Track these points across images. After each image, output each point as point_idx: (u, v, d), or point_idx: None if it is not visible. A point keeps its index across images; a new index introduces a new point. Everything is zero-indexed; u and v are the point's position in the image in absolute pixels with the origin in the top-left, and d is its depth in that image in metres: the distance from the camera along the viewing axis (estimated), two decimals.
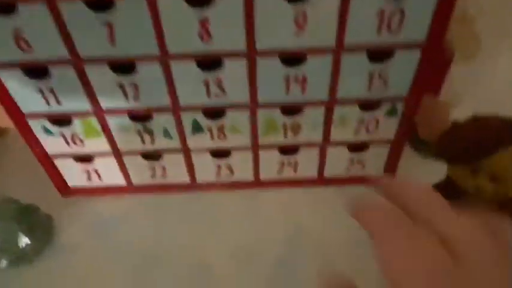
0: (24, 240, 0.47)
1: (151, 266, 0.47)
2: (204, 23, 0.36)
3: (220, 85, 0.41)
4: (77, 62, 0.39)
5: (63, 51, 0.38)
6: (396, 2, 0.35)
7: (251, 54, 0.39)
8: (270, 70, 0.40)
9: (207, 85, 0.41)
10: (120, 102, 0.42)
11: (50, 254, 0.49)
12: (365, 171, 0.51)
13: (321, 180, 0.53)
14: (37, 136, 0.46)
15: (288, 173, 0.52)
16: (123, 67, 0.39)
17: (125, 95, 0.42)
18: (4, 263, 0.46)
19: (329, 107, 0.44)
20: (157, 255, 0.48)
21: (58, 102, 0.42)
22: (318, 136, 0.47)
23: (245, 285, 0.45)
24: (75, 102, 0.42)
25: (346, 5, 0.35)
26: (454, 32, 0.46)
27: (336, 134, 0.46)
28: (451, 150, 0.40)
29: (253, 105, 0.43)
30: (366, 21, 0.36)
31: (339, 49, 0.38)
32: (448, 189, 0.42)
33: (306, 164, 0.51)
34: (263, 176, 0.52)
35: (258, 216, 0.52)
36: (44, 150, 0.47)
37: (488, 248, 0.24)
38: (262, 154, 0.49)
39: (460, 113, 0.60)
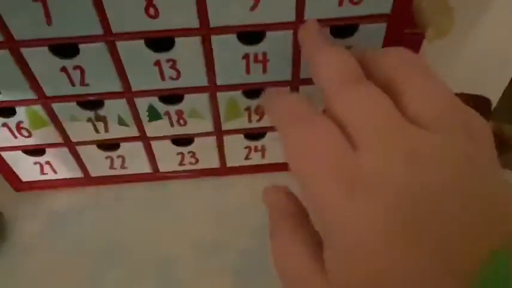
0: None
1: (112, 262, 0.44)
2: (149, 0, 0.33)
3: (174, 67, 0.38)
4: (12, 46, 0.35)
5: None
6: None
7: (205, 32, 0.35)
8: (227, 49, 0.37)
9: (159, 67, 0.38)
10: (66, 89, 0.39)
11: (3, 253, 0.46)
12: None
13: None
14: None
15: (256, 159, 0.49)
16: (64, 49, 0.36)
17: (70, 80, 0.38)
18: None
19: (294, 87, 0.41)
20: (118, 250, 0.45)
21: None
22: None
23: (211, 278, 0.43)
24: (16, 90, 0.39)
25: None
26: (427, 6, 0.44)
27: None
28: None
29: (212, 88, 0.40)
30: None
31: (299, 24, 0.35)
32: None
33: (275, 149, 0.48)
34: (230, 162, 0.49)
35: (225, 205, 0.49)
36: None
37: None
38: (227, 140, 0.46)
39: None
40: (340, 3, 0.34)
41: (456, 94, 0.39)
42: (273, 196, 0.30)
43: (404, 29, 0.36)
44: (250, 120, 0.44)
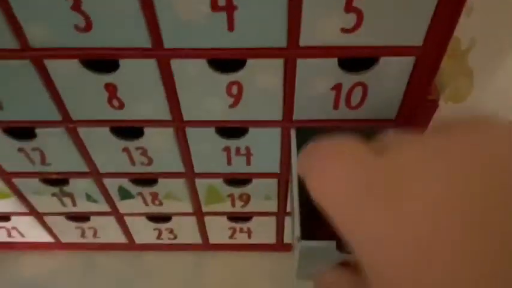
0: None
1: None
2: (111, 90, 0.28)
3: (145, 154, 0.33)
4: None
5: None
6: (356, 76, 0.27)
7: (178, 124, 0.31)
8: (205, 141, 0.32)
9: (128, 153, 0.33)
10: (26, 167, 0.35)
11: None
12: None
13: (280, 246, 0.45)
14: None
15: (242, 239, 0.44)
16: (22, 131, 0.32)
17: (30, 159, 0.34)
18: None
19: (282, 178, 0.36)
20: None
21: None
22: (272, 206, 0.39)
23: None
24: None
25: (291, 78, 0.27)
26: (444, 68, 0.38)
27: (288, 207, 0.39)
28: None
29: (190, 175, 0.36)
30: (319, 96, 0.28)
31: (288, 123, 0.30)
32: None
33: (262, 231, 0.43)
34: (212, 240, 0.45)
35: (205, 281, 0.45)
36: None
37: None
38: (209, 220, 0.42)
39: None
40: (336, 107, 0.29)
41: None
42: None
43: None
44: (233, 205, 0.39)
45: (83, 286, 0.45)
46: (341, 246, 0.25)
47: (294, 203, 0.27)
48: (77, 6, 0.23)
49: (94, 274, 0.46)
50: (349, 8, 0.22)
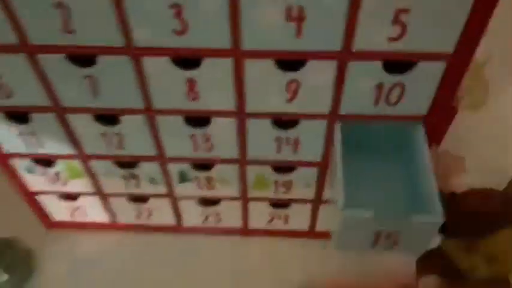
0: (3, 277, 0.46)
1: None
2: (191, 83, 0.34)
3: (208, 141, 0.39)
4: (59, 111, 0.37)
5: (44, 100, 0.36)
6: (396, 77, 0.32)
7: (241, 116, 0.36)
8: (261, 131, 0.38)
9: (194, 140, 0.39)
10: (104, 150, 0.41)
11: None
12: None
13: (312, 233, 0.50)
14: (20, 175, 0.44)
15: (278, 225, 0.50)
16: (107, 118, 0.38)
17: (109, 143, 0.40)
18: None
19: (323, 167, 0.41)
20: None
21: (40, 145, 0.41)
22: (310, 193, 0.45)
23: None
24: (57, 147, 0.41)
25: (341, 77, 0.32)
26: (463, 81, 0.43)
27: (329, 192, 0.44)
28: (447, 220, 0.37)
29: (243, 162, 0.41)
30: (363, 93, 0.34)
31: (333, 116, 0.36)
32: (439, 262, 0.40)
33: (297, 218, 0.48)
34: (252, 225, 0.50)
35: (243, 264, 0.50)
36: (26, 187, 0.46)
37: None
38: (252, 206, 0.47)
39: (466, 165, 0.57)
40: (376, 103, 0.34)
41: (492, 190, 0.38)
42: None
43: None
44: (276, 192, 0.45)
45: (135, 264, 0.50)
46: None
47: (338, 173, 0.32)
48: (177, 14, 0.29)
49: (145, 254, 0.51)
50: (396, 21, 0.28)
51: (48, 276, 0.49)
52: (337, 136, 0.35)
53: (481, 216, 0.37)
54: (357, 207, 0.31)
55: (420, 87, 0.33)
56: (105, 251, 0.51)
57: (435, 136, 0.37)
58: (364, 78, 0.32)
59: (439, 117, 0.36)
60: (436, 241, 0.40)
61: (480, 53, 0.55)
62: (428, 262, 0.41)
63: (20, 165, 0.43)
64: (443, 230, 0.37)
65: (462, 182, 0.51)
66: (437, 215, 0.30)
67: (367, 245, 0.33)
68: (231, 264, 0.50)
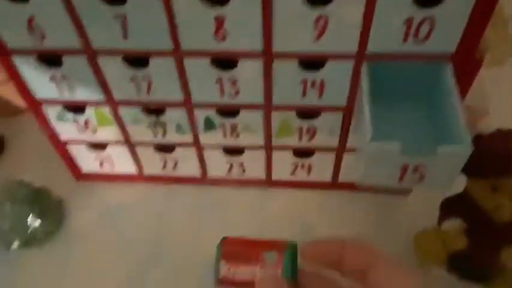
0: (35, 223, 0.48)
1: (156, 257, 0.47)
2: (219, 22, 0.34)
3: (234, 85, 0.40)
4: (90, 53, 0.38)
5: (75, 41, 0.37)
6: (426, 11, 0.32)
7: (268, 57, 0.37)
8: (287, 73, 0.38)
9: (221, 84, 0.40)
10: (132, 95, 0.42)
11: (60, 237, 0.50)
12: None
13: (335, 184, 0.51)
14: (51, 122, 0.46)
15: (301, 175, 0.50)
16: (137, 60, 0.38)
17: (138, 88, 0.41)
18: (15, 244, 0.47)
19: (348, 112, 0.42)
20: (164, 245, 0.48)
21: (71, 90, 0.42)
22: (334, 141, 0.45)
23: None
24: (88, 92, 0.42)
25: (371, 12, 0.32)
26: (487, 34, 0.43)
27: (353, 139, 0.45)
28: (472, 162, 0.37)
29: (268, 107, 0.42)
30: (392, 29, 0.34)
31: (361, 56, 0.36)
32: (463, 205, 0.40)
33: (321, 167, 0.49)
34: (275, 176, 0.51)
35: (266, 214, 0.51)
36: (58, 136, 0.48)
37: None
38: (276, 155, 0.48)
39: (489, 117, 0.57)
40: (405, 40, 0.34)
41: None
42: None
43: (466, 62, 0.36)
44: (300, 139, 0.45)
45: (160, 215, 0.51)
46: None
47: (365, 109, 0.33)
48: None
49: (169, 205, 0.52)
50: None
51: (78, 224, 0.51)
52: (364, 74, 0.36)
53: (507, 156, 0.37)
54: (385, 140, 0.31)
55: (450, 22, 0.33)
56: (132, 201, 0.52)
57: (462, 80, 0.37)
58: (394, 12, 0.32)
59: (467, 58, 0.36)
60: (459, 184, 0.40)
61: (506, 7, 0.54)
62: (452, 206, 0.41)
63: (51, 113, 0.45)
64: (469, 171, 0.38)
65: (487, 127, 0.51)
66: (465, 145, 0.30)
67: (393, 179, 0.33)
68: (255, 215, 0.51)
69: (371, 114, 0.33)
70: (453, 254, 0.40)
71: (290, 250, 0.33)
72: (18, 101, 0.60)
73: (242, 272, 0.33)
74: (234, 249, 0.34)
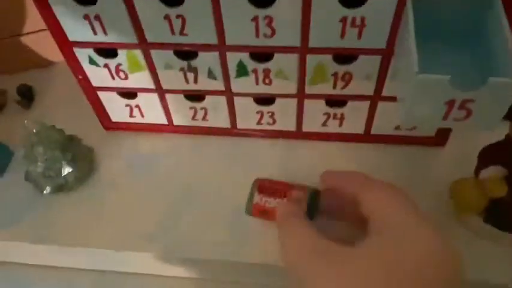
0: (67, 169, 0.48)
1: (187, 204, 0.47)
2: None
3: (270, 24, 0.38)
4: None
5: None
6: None
7: None
8: (327, 9, 0.37)
9: (256, 23, 0.39)
10: (165, 36, 0.41)
11: (91, 184, 0.50)
12: (415, 132, 0.48)
13: (367, 137, 0.50)
14: (83, 66, 0.46)
15: (333, 127, 0.49)
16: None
17: (171, 28, 0.40)
18: (48, 189, 0.48)
19: (386, 56, 0.40)
20: (193, 194, 0.48)
21: (104, 31, 0.41)
22: (370, 88, 0.44)
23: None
24: (121, 33, 0.41)
25: None
26: None
27: (389, 88, 0.43)
28: None
29: (304, 50, 0.41)
30: None
31: None
32: (504, 151, 0.39)
33: (353, 118, 0.48)
34: (306, 127, 0.50)
35: (295, 166, 0.50)
36: (89, 81, 0.47)
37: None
38: (308, 104, 0.47)
39: None
40: None
41: None
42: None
43: None
44: (334, 87, 0.44)
45: (189, 165, 0.51)
46: None
47: (410, 40, 0.31)
48: None
49: (199, 155, 0.52)
50: None
51: (108, 172, 0.51)
52: (409, 8, 0.34)
53: None
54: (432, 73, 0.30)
55: None
56: (161, 151, 0.52)
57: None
58: None
59: None
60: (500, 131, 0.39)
61: None
62: (493, 152, 0.40)
63: (83, 57, 0.45)
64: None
65: None
66: None
67: (438, 116, 0.32)
68: (284, 166, 0.50)
69: (417, 46, 0.31)
70: (492, 202, 0.39)
71: (313, 192, 0.41)
72: (47, 53, 0.60)
73: (272, 202, 0.41)
74: (267, 185, 0.42)
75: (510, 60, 0.30)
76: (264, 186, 0.42)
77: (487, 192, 0.39)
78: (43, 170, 0.47)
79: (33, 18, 0.56)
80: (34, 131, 0.45)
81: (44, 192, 0.48)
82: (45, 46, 0.59)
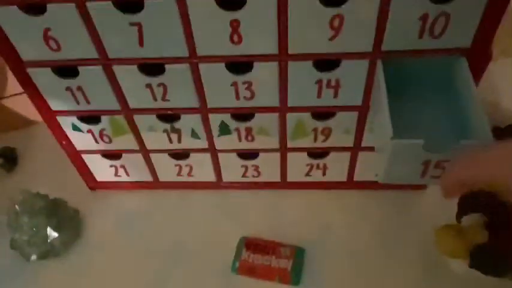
0: (53, 235, 0.48)
1: (176, 262, 0.47)
2: (234, 26, 0.34)
3: (249, 88, 0.40)
4: (106, 63, 0.38)
5: (92, 52, 0.37)
6: (441, 6, 0.32)
7: (283, 58, 0.37)
8: (302, 74, 0.38)
9: (236, 88, 0.40)
10: (148, 102, 0.42)
11: (78, 247, 0.50)
12: None
13: (350, 183, 0.51)
14: (66, 132, 0.46)
15: (316, 176, 0.50)
16: (152, 68, 0.39)
17: (153, 95, 0.41)
18: (33, 256, 0.47)
19: (363, 111, 0.42)
20: (182, 251, 0.48)
21: (87, 100, 0.42)
22: (349, 141, 0.45)
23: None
24: (103, 101, 0.42)
25: (385, 9, 0.33)
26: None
27: (368, 139, 0.45)
28: None
29: (283, 109, 0.42)
30: (407, 26, 0.34)
31: (376, 54, 0.36)
32: (483, 199, 0.40)
33: (336, 167, 0.49)
34: (290, 178, 0.51)
35: (282, 216, 0.51)
36: (73, 145, 0.48)
37: None
38: (291, 157, 0.48)
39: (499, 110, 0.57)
40: (420, 36, 0.34)
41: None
42: None
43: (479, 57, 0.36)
44: (315, 140, 0.45)
45: (176, 221, 0.51)
46: None
47: (383, 105, 0.33)
48: None
49: (186, 210, 0.52)
50: None
51: (95, 234, 0.51)
52: (380, 72, 0.36)
53: None
54: (406, 137, 0.31)
55: (464, 17, 0.33)
56: (148, 208, 0.53)
57: (474, 74, 0.37)
58: (409, 9, 0.32)
59: (481, 52, 0.36)
60: None
61: None
62: (472, 200, 0.41)
63: (66, 124, 0.45)
64: None
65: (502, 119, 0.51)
66: (487, 138, 0.30)
67: (416, 176, 0.33)
68: (271, 217, 0.51)
69: (390, 111, 0.33)
70: (474, 248, 0.40)
71: (299, 251, 0.44)
72: (29, 113, 0.60)
73: (259, 258, 0.44)
74: (254, 242, 0.45)
75: (479, 122, 0.31)
76: (252, 244, 0.45)
77: (469, 239, 0.40)
78: (28, 237, 0.46)
79: (15, 80, 0.56)
80: (18, 202, 0.44)
81: (31, 259, 0.47)
82: (26, 107, 0.59)
